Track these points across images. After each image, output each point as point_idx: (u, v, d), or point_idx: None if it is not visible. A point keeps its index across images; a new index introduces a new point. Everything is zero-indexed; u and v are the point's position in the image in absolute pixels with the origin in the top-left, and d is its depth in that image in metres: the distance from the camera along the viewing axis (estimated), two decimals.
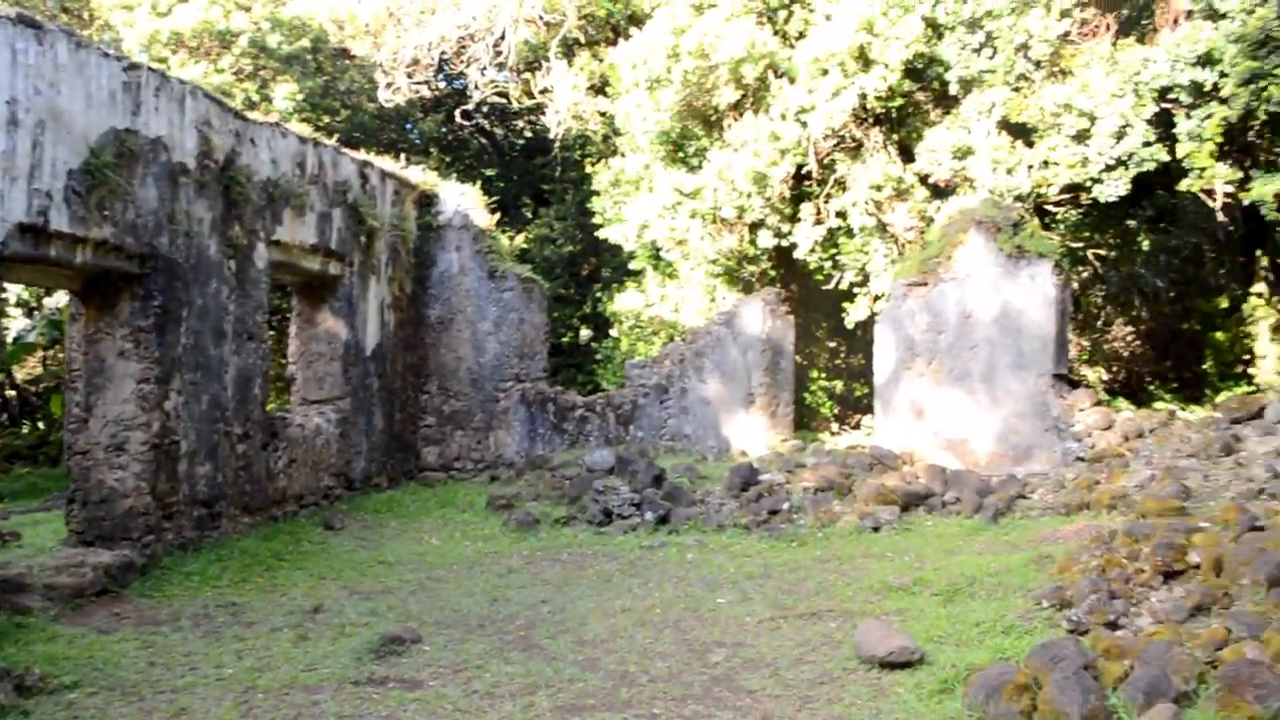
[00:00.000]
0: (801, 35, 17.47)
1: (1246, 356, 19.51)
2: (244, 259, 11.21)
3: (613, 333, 20.64)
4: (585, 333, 24.09)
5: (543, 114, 22.16)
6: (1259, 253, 21.31)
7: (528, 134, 26.77)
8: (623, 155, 19.45)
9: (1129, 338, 25.52)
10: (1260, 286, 20.05)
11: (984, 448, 13.20)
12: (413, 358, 15.61)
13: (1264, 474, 10.61)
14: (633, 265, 19.75)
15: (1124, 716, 5.19)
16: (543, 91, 21.41)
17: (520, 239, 21.70)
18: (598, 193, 19.76)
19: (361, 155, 14.19)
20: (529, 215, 25.65)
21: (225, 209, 10.82)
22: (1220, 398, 17.98)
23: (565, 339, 23.86)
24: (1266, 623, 5.80)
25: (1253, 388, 18.09)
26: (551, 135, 21.74)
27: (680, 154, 18.30)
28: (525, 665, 6.90)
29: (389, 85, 21.36)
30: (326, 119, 21.37)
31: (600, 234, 19.43)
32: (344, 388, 13.58)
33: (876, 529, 10.65)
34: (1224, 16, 16.03)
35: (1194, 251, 24.77)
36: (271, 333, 17.75)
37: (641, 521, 11.16)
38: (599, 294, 22.44)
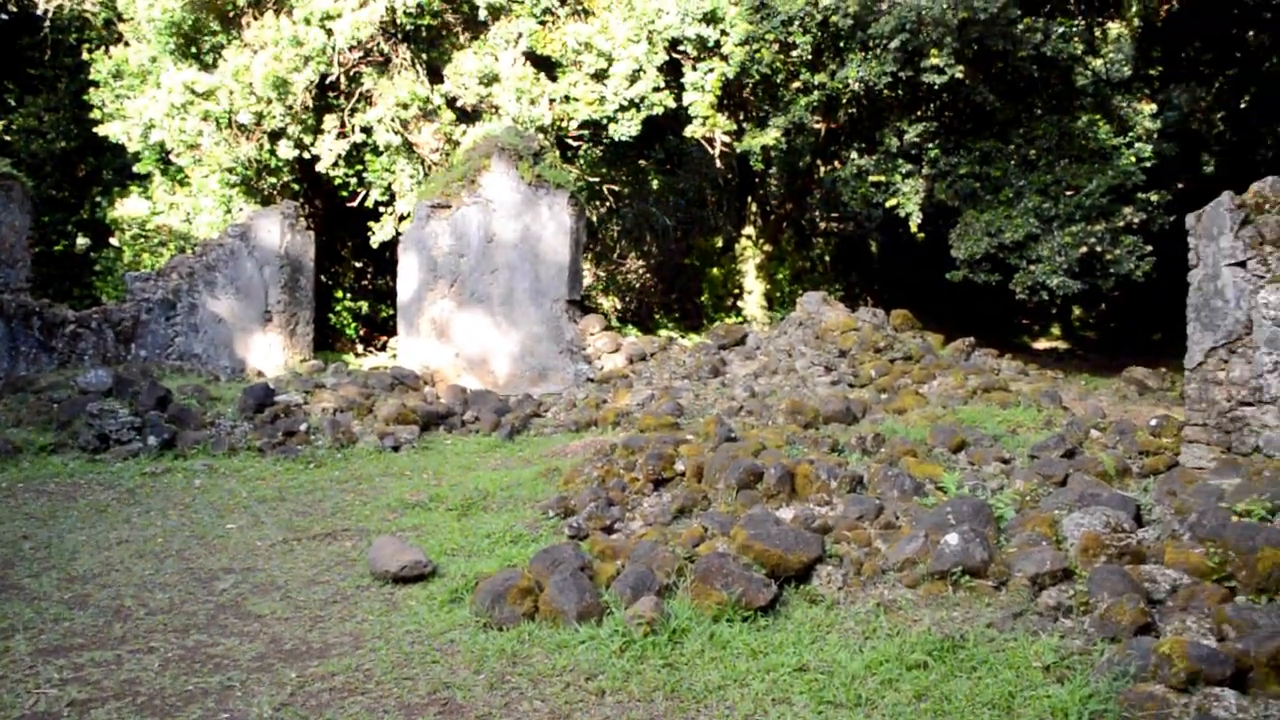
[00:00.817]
0: None
1: (737, 291, 21.79)
2: None
3: (114, 241, 18.69)
4: (82, 241, 21.58)
5: None
6: (750, 199, 23.86)
7: (11, 8, 23.21)
8: (126, 44, 17.55)
9: (640, 270, 27.56)
10: (750, 229, 22.44)
11: (503, 369, 13.67)
12: None
13: (743, 393, 11.98)
14: (137, 168, 17.98)
15: (614, 609, 5.64)
16: None
17: None
18: (97, 84, 17.72)
19: None
20: (12, 104, 22.36)
21: None
22: (712, 327, 20.02)
23: (58, 248, 21.23)
24: (733, 520, 6.56)
25: (741, 318, 20.28)
26: (41, 9, 19.05)
27: (193, 49, 16.87)
28: (0, 609, 6.15)
29: None
30: None
31: (100, 130, 17.46)
32: None
33: (396, 448, 10.68)
34: None
35: (697, 194, 27.23)
36: None
37: (143, 447, 10.30)
38: (98, 198, 20.19)
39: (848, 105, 18.30)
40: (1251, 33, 21.98)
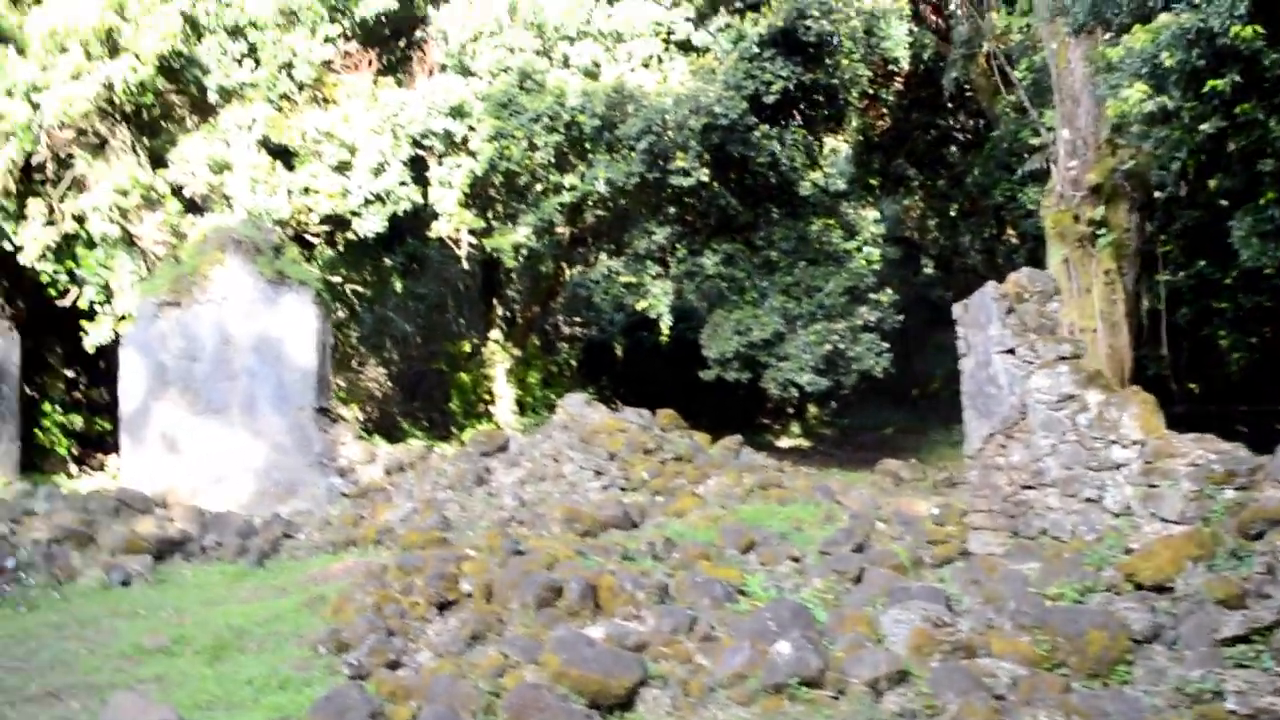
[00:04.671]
0: (37, 1, 15.18)
1: (487, 396, 21.17)
2: None
3: None
4: None
5: None
6: (495, 301, 23.48)
7: None
8: None
9: (381, 378, 26.47)
10: (496, 333, 21.99)
11: (246, 485, 12.38)
12: None
13: (512, 502, 11.39)
14: None
15: None
16: None
17: None
18: None
19: None
20: None
21: None
22: (466, 434, 19.26)
23: None
24: (538, 645, 5.94)
25: (493, 424, 19.64)
26: None
27: None
28: None
29: None
30: None
31: None
32: None
33: (126, 583, 9.31)
34: (474, 74, 17.36)
35: (439, 298, 26.63)
36: None
37: None
38: None
39: (595, 206, 18.37)
40: (954, 148, 23.99)
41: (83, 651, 7.58)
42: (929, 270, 26.27)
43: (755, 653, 5.46)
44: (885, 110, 23.96)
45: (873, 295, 17.81)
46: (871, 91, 22.17)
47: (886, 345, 17.30)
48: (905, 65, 21.44)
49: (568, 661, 5.36)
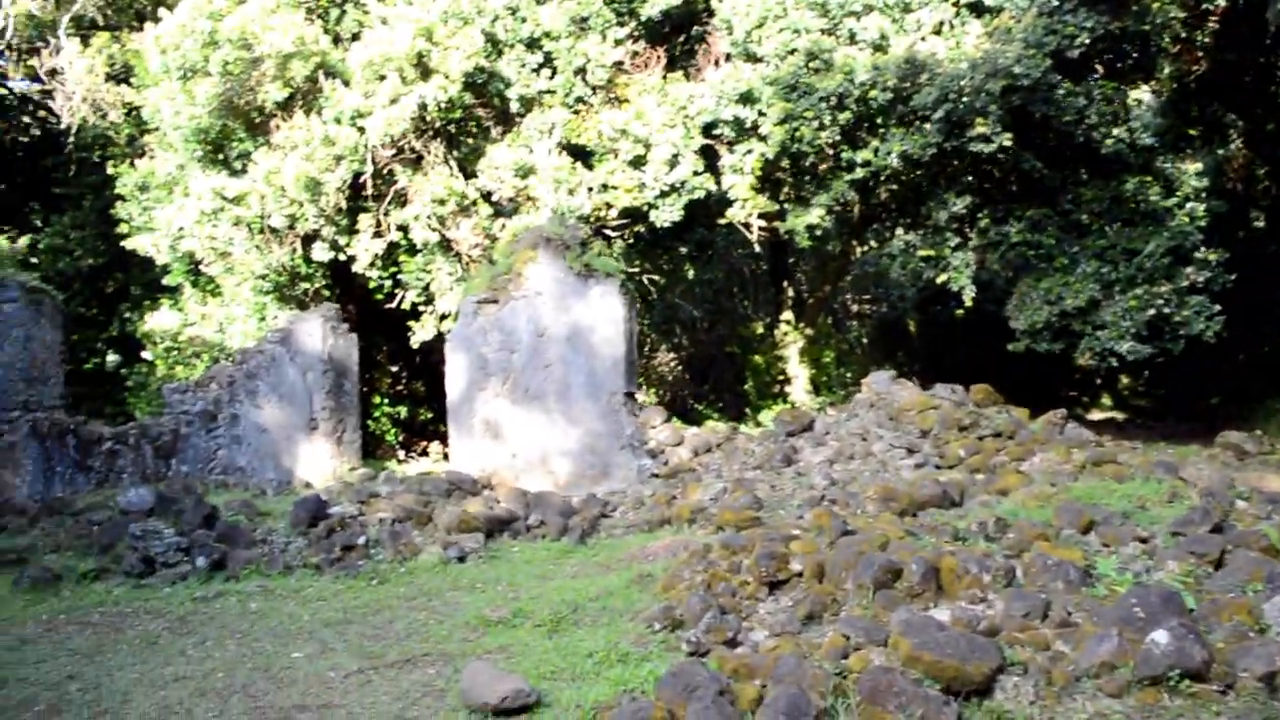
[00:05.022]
0: (356, 37, 16.51)
1: (782, 377, 21.15)
2: None
3: (146, 355, 18.13)
4: (113, 358, 21.06)
5: (51, 105, 19.16)
6: (785, 284, 23.43)
7: (35, 131, 23.13)
8: (151, 156, 17.26)
9: (671, 363, 27.02)
10: (788, 314, 21.92)
11: (563, 468, 12.93)
12: None
13: (822, 481, 11.21)
14: (167, 280, 17.53)
15: None
16: (51, 74, 18.48)
17: (24, 243, 18.49)
18: (123, 197, 17.38)
19: None
20: (39, 224, 22.08)
21: None
22: (762, 415, 19.32)
23: (88, 366, 20.72)
24: (881, 627, 5.77)
25: (790, 405, 19.58)
26: (64, 126, 18.83)
27: (220, 155, 16.53)
28: None
29: None
30: None
31: (128, 244, 17.07)
32: None
33: (462, 559, 9.89)
34: (760, 60, 17.31)
35: (725, 283, 26.86)
36: None
37: (192, 569, 9.55)
38: (128, 314, 19.71)
39: (887, 181, 17.88)
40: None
41: (431, 622, 8.08)
42: (1259, 223, 23.86)
43: (1124, 641, 5.06)
44: (1200, 54, 22.00)
45: (1199, 254, 16.41)
46: (1184, 34, 20.45)
47: (1217, 308, 15.91)
48: (1221, 1, 19.62)
49: (919, 645, 5.16)
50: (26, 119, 22.97)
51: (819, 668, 5.37)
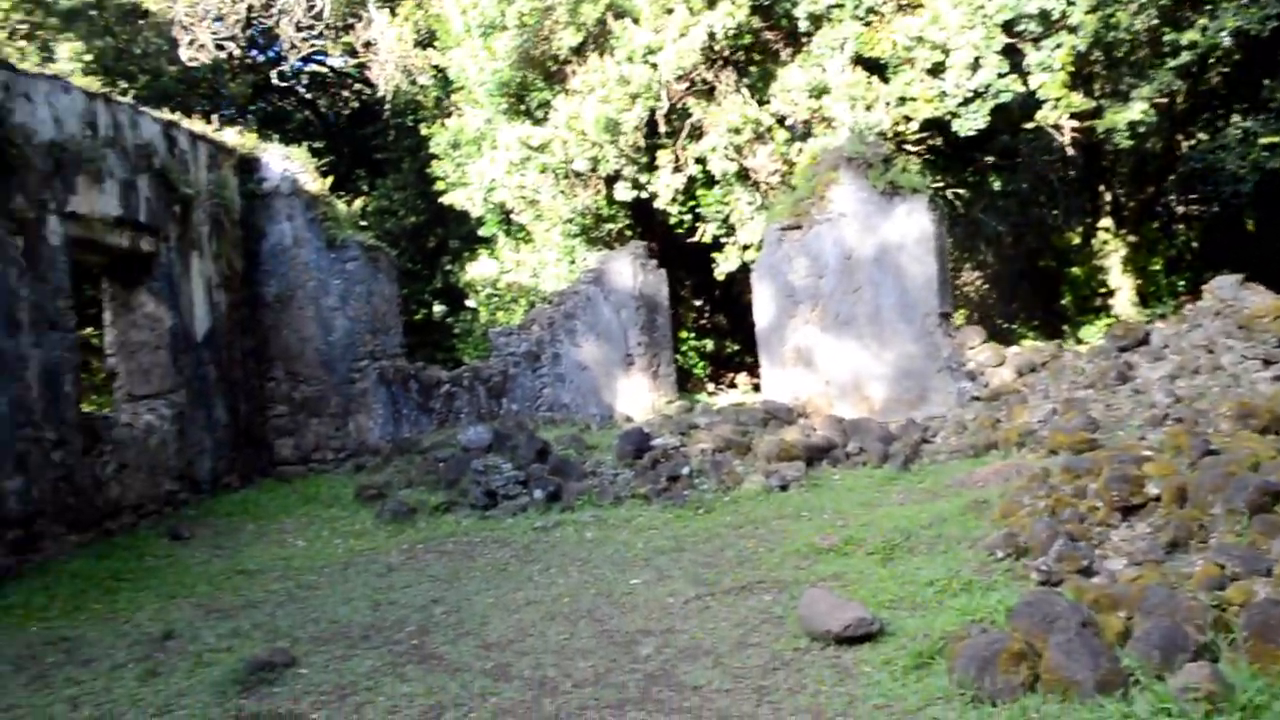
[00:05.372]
0: None
1: (1103, 289, 19.74)
2: (33, 236, 9.59)
3: (469, 303, 19.35)
4: (439, 308, 22.68)
5: (367, 79, 20.58)
6: (1101, 188, 21.67)
7: (354, 104, 25.05)
8: (460, 114, 18.19)
9: (976, 281, 25.82)
10: (1107, 221, 20.32)
11: (878, 393, 12.67)
12: (252, 341, 14.02)
13: (1164, 399, 10.37)
14: (482, 231, 18.55)
15: (1140, 677, 4.51)
16: (366, 45, 19.82)
17: (357, 205, 20.14)
18: (437, 156, 18.47)
19: (165, 115, 12.49)
20: (365, 189, 24.00)
21: (1, 176, 9.21)
22: (1084, 331, 18.11)
23: (418, 317, 22.44)
24: (1259, 555, 5.25)
25: (1114, 318, 18.26)
26: (380, 94, 20.21)
27: (523, 106, 17.18)
28: (425, 681, 5.82)
29: (191, 42, 19.25)
30: (123, 84, 19.23)
31: (445, 200, 18.16)
32: (175, 379, 12.03)
33: (784, 487, 9.93)
34: None
35: (1031, 194, 25.21)
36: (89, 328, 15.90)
37: (530, 501, 10.14)
38: (449, 266, 21.11)
39: (1218, 63, 16.09)
40: None
41: (761, 549, 8.15)
42: None
43: None
44: None
45: None
46: None
47: None
48: None
49: None
50: (346, 93, 24.86)
51: (1193, 599, 4.96)
